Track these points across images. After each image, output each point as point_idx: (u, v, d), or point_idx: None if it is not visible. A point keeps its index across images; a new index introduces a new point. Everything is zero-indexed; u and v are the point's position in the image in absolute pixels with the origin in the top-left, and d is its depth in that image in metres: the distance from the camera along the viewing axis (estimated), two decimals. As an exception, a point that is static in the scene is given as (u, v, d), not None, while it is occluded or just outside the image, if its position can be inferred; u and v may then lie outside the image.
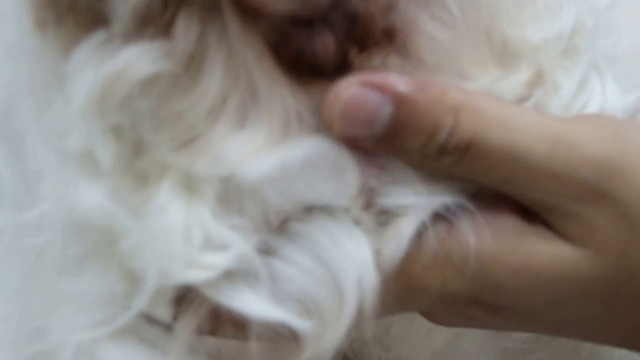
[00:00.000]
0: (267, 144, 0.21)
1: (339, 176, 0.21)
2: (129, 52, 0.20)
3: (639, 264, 0.23)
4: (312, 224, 0.22)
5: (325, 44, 0.22)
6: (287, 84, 0.22)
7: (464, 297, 0.24)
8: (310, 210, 0.22)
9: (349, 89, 0.21)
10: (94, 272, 0.23)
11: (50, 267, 0.24)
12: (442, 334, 0.29)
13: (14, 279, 0.27)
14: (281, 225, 0.22)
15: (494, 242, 0.23)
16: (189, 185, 0.21)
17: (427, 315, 0.26)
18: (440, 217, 0.23)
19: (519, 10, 0.24)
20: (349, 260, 0.21)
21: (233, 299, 0.21)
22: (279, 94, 0.21)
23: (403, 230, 0.22)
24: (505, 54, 0.24)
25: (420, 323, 0.27)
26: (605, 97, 0.27)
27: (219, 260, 0.20)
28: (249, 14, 0.21)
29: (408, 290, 0.23)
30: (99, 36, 0.20)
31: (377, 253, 0.22)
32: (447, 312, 0.25)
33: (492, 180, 0.23)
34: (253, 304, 0.21)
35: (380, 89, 0.21)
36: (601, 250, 0.23)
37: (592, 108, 0.27)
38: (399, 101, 0.22)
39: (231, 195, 0.21)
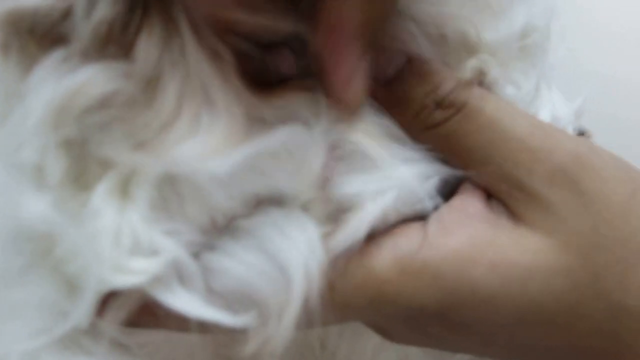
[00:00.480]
0: (224, 146, 0.21)
1: (299, 163, 0.21)
2: (87, 71, 0.20)
3: (600, 265, 0.24)
4: (259, 218, 0.22)
5: (285, 58, 0.22)
6: (248, 94, 0.22)
7: (431, 310, 0.24)
8: (260, 204, 0.22)
9: None
10: (35, 281, 0.23)
11: None
12: (389, 355, 0.28)
13: None
14: (228, 223, 0.22)
15: (469, 241, 0.23)
16: (124, 189, 0.21)
17: (383, 330, 0.26)
18: (412, 220, 0.24)
19: (477, 9, 0.24)
20: (295, 249, 0.21)
21: (167, 298, 0.21)
22: (238, 104, 0.21)
23: (359, 222, 0.23)
24: (459, 52, 0.25)
25: (367, 341, 0.27)
26: (553, 103, 0.28)
27: (148, 265, 0.20)
28: (212, 33, 0.21)
29: (378, 296, 0.23)
30: (58, 55, 0.21)
31: (328, 241, 0.22)
32: (406, 326, 0.25)
33: (474, 145, 0.24)
34: (187, 303, 0.21)
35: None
36: (565, 242, 0.23)
37: (543, 115, 0.28)
38: (414, 56, 0.24)
39: (170, 199, 0.21)
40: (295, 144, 0.21)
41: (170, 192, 0.21)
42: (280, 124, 0.22)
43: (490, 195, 0.25)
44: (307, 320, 0.22)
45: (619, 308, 0.24)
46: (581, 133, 0.31)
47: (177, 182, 0.21)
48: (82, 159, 0.21)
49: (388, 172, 0.23)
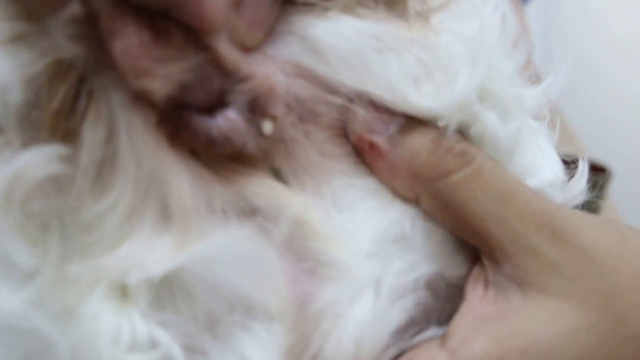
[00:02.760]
0: (181, 240, 0.22)
1: (261, 271, 0.22)
2: (24, 157, 0.21)
3: (618, 312, 0.24)
4: (236, 320, 0.22)
5: (231, 123, 0.22)
6: (197, 174, 0.22)
7: None
8: (233, 309, 0.22)
9: None
10: None
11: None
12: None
13: None
14: (209, 324, 0.22)
15: (491, 341, 0.24)
16: (122, 290, 0.22)
17: None
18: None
19: (422, 75, 0.24)
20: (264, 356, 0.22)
21: None
22: (187, 187, 0.22)
23: (344, 329, 0.23)
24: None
25: None
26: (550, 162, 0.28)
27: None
28: (147, 104, 0.22)
29: None
30: None
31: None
32: None
33: (486, 201, 0.24)
34: None
35: None
36: (581, 301, 0.24)
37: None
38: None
39: (163, 295, 0.22)
40: (253, 253, 0.22)
41: (165, 290, 0.22)
42: (235, 217, 0.22)
43: (490, 268, 0.25)
44: None
45: None
46: (602, 168, 0.31)
47: (171, 282, 0.22)
48: (57, 251, 0.22)
49: (358, 274, 0.24)
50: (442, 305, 0.26)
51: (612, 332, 0.24)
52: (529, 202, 0.25)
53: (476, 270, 0.26)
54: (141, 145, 0.22)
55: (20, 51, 0.21)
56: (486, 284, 0.25)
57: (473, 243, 0.26)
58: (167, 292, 0.22)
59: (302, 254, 0.23)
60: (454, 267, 0.26)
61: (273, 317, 0.23)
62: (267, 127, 0.23)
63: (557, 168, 0.28)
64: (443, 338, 0.25)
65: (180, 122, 0.22)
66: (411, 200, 0.25)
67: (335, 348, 0.23)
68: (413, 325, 0.25)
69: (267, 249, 0.22)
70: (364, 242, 0.24)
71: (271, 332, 0.22)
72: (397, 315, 0.24)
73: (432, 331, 0.25)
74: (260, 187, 0.23)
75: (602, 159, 0.35)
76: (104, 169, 0.22)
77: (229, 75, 0.22)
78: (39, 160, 0.21)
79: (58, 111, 0.21)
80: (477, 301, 0.25)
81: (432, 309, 0.26)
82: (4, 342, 0.23)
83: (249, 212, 0.23)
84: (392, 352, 0.25)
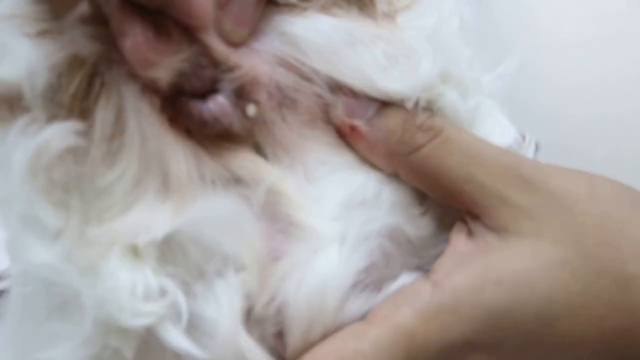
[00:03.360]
0: (178, 207, 0.25)
1: (240, 230, 0.26)
2: (48, 130, 0.24)
3: (589, 248, 0.26)
4: (213, 276, 0.26)
5: (220, 106, 0.26)
6: (191, 149, 0.26)
7: (460, 343, 0.25)
8: (216, 261, 0.26)
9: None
10: (72, 319, 0.26)
11: (37, 311, 0.28)
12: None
13: (14, 317, 0.31)
14: (199, 274, 0.26)
15: (470, 273, 0.26)
16: (134, 250, 0.25)
17: None
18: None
19: (390, 64, 0.28)
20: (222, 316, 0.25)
21: (165, 333, 0.25)
22: (183, 161, 0.26)
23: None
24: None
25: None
26: (501, 127, 0.31)
27: (157, 308, 0.25)
28: (151, 90, 0.25)
29: (410, 349, 0.25)
30: (25, 119, 0.25)
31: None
32: None
33: (455, 165, 0.27)
34: (173, 336, 0.25)
35: None
36: (553, 238, 0.26)
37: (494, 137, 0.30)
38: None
39: (167, 251, 0.26)
40: (235, 215, 0.25)
41: (167, 248, 0.26)
42: (222, 186, 0.26)
43: (470, 221, 0.27)
44: None
45: (624, 278, 0.26)
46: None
47: (171, 241, 0.25)
48: (77, 214, 0.25)
49: (324, 233, 0.26)
50: (405, 256, 0.29)
51: (585, 267, 0.26)
52: (496, 158, 0.27)
53: (459, 223, 0.28)
54: (145, 125, 0.25)
55: (46, 44, 0.25)
56: (468, 233, 0.27)
57: (452, 204, 0.28)
58: (168, 249, 0.25)
59: (277, 217, 0.26)
60: (417, 227, 0.29)
61: (245, 267, 0.26)
62: (251, 110, 0.26)
63: (513, 135, 0.32)
64: (427, 274, 0.27)
65: (178, 106, 0.26)
66: (390, 173, 0.28)
67: (296, 292, 0.25)
68: (377, 270, 0.28)
69: (246, 212, 0.26)
70: (330, 207, 0.27)
71: (241, 279, 0.25)
72: (360, 259, 0.27)
73: (405, 278, 0.28)
74: (244, 161, 0.26)
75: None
76: (114, 144, 0.25)
77: (218, 66, 0.25)
78: (60, 133, 0.24)
79: (75, 94, 0.25)
80: (460, 244, 0.27)
81: (396, 258, 0.28)
82: (39, 292, 0.27)
83: (234, 181, 0.26)
84: (360, 299, 0.27)
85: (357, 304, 0.27)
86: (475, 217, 0.27)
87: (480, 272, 0.26)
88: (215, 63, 0.25)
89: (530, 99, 0.38)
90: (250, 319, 0.26)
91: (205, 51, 0.25)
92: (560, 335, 0.26)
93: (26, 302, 0.29)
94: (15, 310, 0.31)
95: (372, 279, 0.28)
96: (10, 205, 0.26)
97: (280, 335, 0.26)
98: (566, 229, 0.26)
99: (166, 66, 0.25)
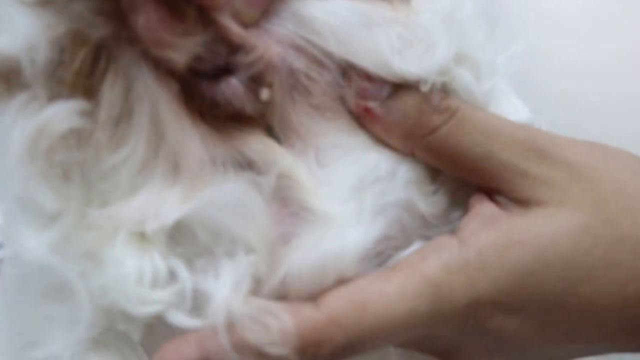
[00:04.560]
0: (189, 190, 0.25)
1: (250, 214, 0.25)
2: (49, 110, 0.23)
3: (611, 213, 0.26)
4: (221, 257, 0.25)
5: (233, 89, 0.25)
6: (203, 131, 0.25)
7: (485, 300, 0.26)
8: (225, 244, 0.25)
9: None
10: (69, 302, 0.25)
11: (32, 293, 0.27)
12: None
13: (8, 297, 0.30)
14: (208, 256, 0.25)
15: (496, 233, 0.26)
16: (141, 236, 0.24)
17: (448, 349, 0.28)
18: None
19: (405, 47, 0.27)
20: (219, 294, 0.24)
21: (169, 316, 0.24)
22: (195, 143, 0.25)
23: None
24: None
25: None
26: (515, 107, 0.31)
27: (165, 295, 0.24)
28: (163, 70, 0.24)
29: (435, 300, 0.25)
30: (23, 97, 0.23)
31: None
32: (467, 331, 0.27)
33: (473, 143, 0.27)
34: (180, 319, 0.24)
35: None
36: (575, 205, 0.26)
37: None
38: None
39: (176, 236, 0.25)
40: (245, 199, 0.25)
41: (176, 232, 0.25)
42: (233, 169, 0.25)
43: (492, 196, 0.28)
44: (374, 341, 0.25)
45: None
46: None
47: (180, 226, 0.25)
48: (78, 196, 0.24)
49: (335, 216, 0.26)
50: (421, 228, 0.29)
51: (606, 234, 0.26)
52: (512, 134, 0.27)
53: (478, 192, 0.29)
54: (156, 106, 0.24)
55: (47, 15, 0.23)
56: (491, 199, 0.28)
57: (471, 181, 0.28)
58: (177, 234, 0.25)
59: (287, 201, 0.26)
60: (429, 204, 0.29)
61: (254, 249, 0.25)
62: (265, 93, 0.25)
63: (527, 115, 0.32)
64: (453, 231, 0.27)
65: (190, 87, 0.25)
66: (407, 153, 0.28)
67: (303, 262, 0.25)
68: (394, 240, 0.28)
69: (256, 196, 0.25)
70: (342, 190, 0.27)
71: (249, 261, 0.25)
72: (377, 229, 0.27)
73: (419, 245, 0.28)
74: (256, 144, 0.26)
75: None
76: (120, 125, 0.24)
77: (234, 47, 0.24)
78: (63, 113, 0.23)
79: (79, 71, 0.24)
80: (484, 206, 0.28)
81: (411, 229, 0.28)
82: (30, 277, 0.26)
83: (245, 165, 0.26)
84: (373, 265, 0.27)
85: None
86: (496, 190, 0.28)
87: (505, 232, 0.26)
88: (231, 45, 0.24)
89: (535, 76, 0.38)
90: (259, 295, 0.25)
91: (221, 32, 0.24)
92: (583, 301, 0.26)
93: (19, 284, 0.29)
94: (8, 292, 0.30)
95: (388, 248, 0.28)
96: (5, 185, 0.26)
97: None
98: (586, 197, 0.27)
99: (182, 47, 0.24)
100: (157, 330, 0.26)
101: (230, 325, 0.23)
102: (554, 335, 0.27)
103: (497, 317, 0.26)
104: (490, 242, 0.26)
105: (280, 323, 0.24)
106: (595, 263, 0.26)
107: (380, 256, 0.27)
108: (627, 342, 0.28)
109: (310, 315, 0.24)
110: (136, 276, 0.24)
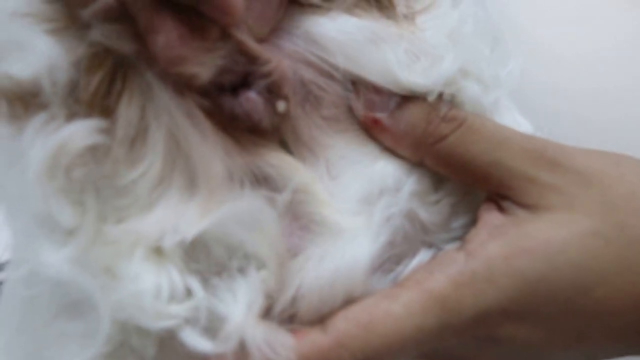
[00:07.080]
0: (207, 206, 0.25)
1: (263, 230, 0.26)
2: (68, 129, 0.24)
3: (620, 218, 0.27)
4: (234, 272, 0.26)
5: (252, 102, 0.26)
6: (221, 146, 0.26)
7: (495, 310, 0.26)
8: (238, 259, 0.25)
9: None
10: (84, 318, 0.26)
11: (44, 312, 0.27)
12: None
13: (16, 318, 0.30)
14: (220, 271, 0.25)
15: (504, 243, 0.26)
16: (159, 251, 0.25)
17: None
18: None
19: (411, 61, 0.28)
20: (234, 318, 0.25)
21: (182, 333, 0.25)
22: (214, 158, 0.25)
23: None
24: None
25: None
26: (517, 122, 0.32)
27: (182, 310, 0.24)
28: (181, 87, 0.25)
29: (443, 313, 0.25)
30: (42, 117, 0.24)
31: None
32: (478, 341, 0.27)
33: (481, 152, 0.27)
34: (191, 337, 0.25)
35: None
36: (584, 211, 0.27)
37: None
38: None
39: (191, 251, 0.25)
40: (259, 215, 0.25)
41: (191, 248, 0.25)
42: (249, 184, 0.26)
43: (499, 200, 0.28)
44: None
45: None
46: None
47: (195, 241, 0.25)
48: (95, 212, 0.25)
49: (344, 228, 0.27)
50: (421, 235, 0.29)
51: (616, 237, 0.26)
52: (520, 143, 0.28)
53: (487, 201, 0.29)
54: (172, 122, 0.25)
55: (68, 39, 0.24)
56: (499, 208, 0.28)
57: (480, 188, 0.29)
58: (192, 249, 0.25)
59: (299, 214, 0.27)
60: (430, 213, 0.29)
61: (264, 264, 0.25)
62: (281, 106, 0.26)
63: (530, 130, 0.33)
64: (460, 244, 0.27)
65: (209, 102, 0.25)
66: (416, 162, 0.29)
67: (312, 280, 0.26)
68: (397, 247, 0.28)
69: (272, 211, 0.26)
70: (350, 202, 0.28)
71: (260, 277, 0.25)
72: (383, 239, 0.27)
73: (423, 255, 0.29)
74: (273, 159, 0.27)
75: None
76: (137, 142, 0.25)
77: (251, 61, 0.25)
78: (81, 131, 0.24)
79: (96, 92, 0.24)
80: (492, 217, 0.28)
81: (412, 236, 0.29)
82: (47, 291, 0.26)
83: (262, 179, 0.26)
84: (379, 276, 0.28)
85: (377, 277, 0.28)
86: (505, 197, 0.28)
87: (513, 241, 0.26)
88: (249, 59, 0.25)
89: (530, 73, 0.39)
90: (270, 315, 0.26)
91: (239, 47, 0.25)
92: (594, 304, 0.26)
93: (29, 303, 0.29)
94: (13, 314, 0.30)
95: (392, 256, 0.28)
96: (21, 204, 0.26)
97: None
98: (596, 202, 0.27)
99: (203, 62, 0.24)
100: (169, 348, 0.26)
101: (241, 351, 0.24)
102: (564, 339, 0.27)
103: (507, 325, 0.26)
104: (498, 252, 0.26)
105: (287, 348, 0.24)
106: (605, 267, 0.26)
107: (383, 265, 0.28)
108: (638, 343, 0.28)
109: (316, 339, 0.25)
110: (154, 291, 0.24)
